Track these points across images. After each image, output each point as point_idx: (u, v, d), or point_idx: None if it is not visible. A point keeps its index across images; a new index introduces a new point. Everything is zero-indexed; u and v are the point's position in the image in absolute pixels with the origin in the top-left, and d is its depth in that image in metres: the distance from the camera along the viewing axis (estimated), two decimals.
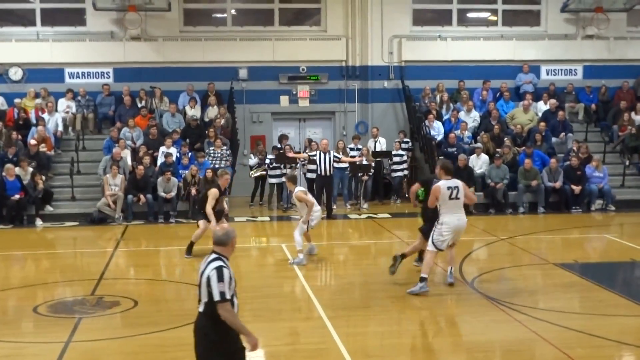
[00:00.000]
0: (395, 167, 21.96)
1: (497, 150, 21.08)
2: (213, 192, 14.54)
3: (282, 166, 20.83)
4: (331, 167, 19.61)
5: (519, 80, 23.89)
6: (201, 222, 14.84)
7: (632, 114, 22.83)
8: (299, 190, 14.33)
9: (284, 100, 23.70)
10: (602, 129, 23.34)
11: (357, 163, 20.76)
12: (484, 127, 22.25)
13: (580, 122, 23.43)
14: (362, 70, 23.74)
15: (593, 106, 23.64)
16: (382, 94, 23.75)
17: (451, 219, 12.03)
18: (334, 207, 20.29)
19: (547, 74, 24.41)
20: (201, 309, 6.66)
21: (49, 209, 19.61)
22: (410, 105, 23.13)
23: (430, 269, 12.16)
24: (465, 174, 20.02)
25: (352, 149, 21.67)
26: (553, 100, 23.00)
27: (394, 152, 21.91)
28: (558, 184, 20.15)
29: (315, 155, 19.76)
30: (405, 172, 22.21)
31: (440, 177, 12.34)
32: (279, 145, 21.61)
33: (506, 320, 10.75)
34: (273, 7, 23.90)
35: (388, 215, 19.93)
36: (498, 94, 23.57)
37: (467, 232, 17.86)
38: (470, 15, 25.11)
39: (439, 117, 22.46)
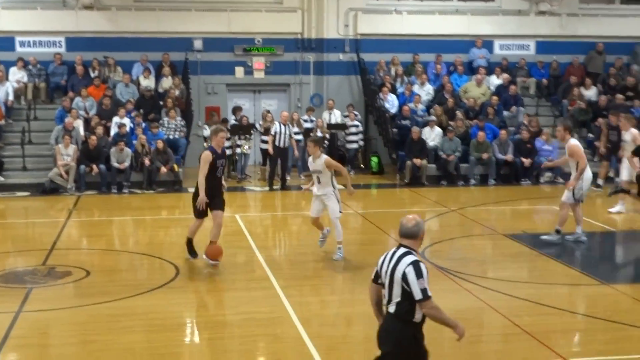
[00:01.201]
0: (350, 138, 21.99)
1: (450, 123, 21.21)
2: (205, 156, 11.76)
3: (237, 137, 20.74)
4: (288, 139, 19.56)
5: (472, 55, 23.99)
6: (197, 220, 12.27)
7: (582, 89, 23.09)
8: (327, 156, 12.58)
9: (239, 71, 23.51)
10: (552, 104, 23.59)
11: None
12: (437, 100, 22.34)
13: (531, 96, 23.64)
14: (318, 43, 23.62)
15: (544, 81, 23.86)
16: (337, 67, 23.68)
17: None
18: (288, 177, 20.29)
19: (500, 49, 24.52)
20: (392, 309, 6.04)
21: None
22: (365, 78, 23.12)
23: None
24: (419, 146, 20.19)
25: (306, 121, 21.65)
26: (505, 75, 23.17)
27: (348, 124, 21.94)
28: (509, 157, 20.36)
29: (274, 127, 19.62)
30: (361, 143, 22.26)
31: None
32: (233, 117, 21.50)
33: (456, 289, 10.87)
34: None
35: (342, 187, 19.87)
36: (452, 68, 23.67)
37: (418, 203, 18.19)
38: None
39: (393, 90, 22.50)
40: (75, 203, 17.87)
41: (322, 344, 8.69)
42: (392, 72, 23.17)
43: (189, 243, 12.32)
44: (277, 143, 19.34)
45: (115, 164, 19.26)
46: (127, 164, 19.32)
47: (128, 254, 13.45)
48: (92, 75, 22.05)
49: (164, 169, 19.45)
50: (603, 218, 15.82)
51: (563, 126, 13.51)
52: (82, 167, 19.11)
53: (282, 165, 19.61)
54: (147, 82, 22.01)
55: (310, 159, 12.44)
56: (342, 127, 21.93)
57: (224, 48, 23.19)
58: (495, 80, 23.24)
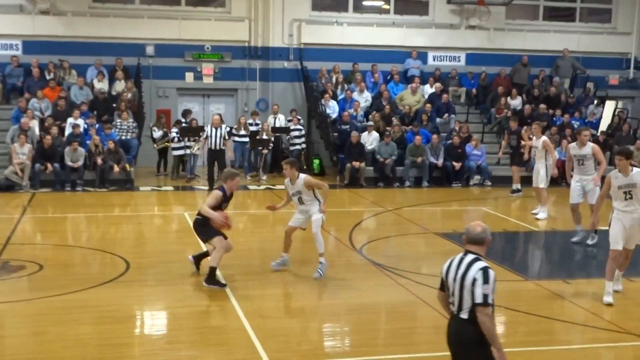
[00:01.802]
0: (293, 141, 21.94)
1: (387, 128, 21.31)
2: (215, 194, 10.74)
3: (186, 139, 20.55)
4: (222, 142, 18.77)
5: (407, 65, 24.14)
6: (216, 240, 10.68)
7: (508, 98, 23.42)
8: (306, 175, 11.33)
9: (189, 76, 23.28)
10: (481, 112, 23.88)
11: (258, 137, 20.68)
12: (375, 107, 22.44)
13: (462, 104, 23.90)
14: (264, 51, 23.52)
15: (474, 90, 24.14)
16: (282, 74, 23.63)
17: None
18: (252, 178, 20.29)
19: (434, 60, 24.74)
20: (464, 315, 5.85)
21: None
22: (308, 85, 23.12)
23: None
24: (357, 150, 20.25)
25: (251, 124, 21.54)
26: (438, 84, 23.37)
27: (292, 128, 21.90)
28: (440, 162, 20.55)
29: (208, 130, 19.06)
30: (303, 145, 22.23)
31: None
32: (182, 120, 21.29)
33: (391, 284, 10.92)
34: None
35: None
36: (389, 77, 23.78)
37: (357, 204, 18.22)
38: (365, 3, 25.15)
39: (334, 96, 22.52)
40: (30, 200, 17.48)
41: (265, 335, 8.64)
42: (333, 79, 23.20)
43: (212, 273, 10.54)
44: (210, 146, 18.84)
45: (69, 163, 18.90)
46: (80, 163, 18.99)
47: (81, 249, 13.19)
48: (48, 77, 21.61)
49: (116, 168, 19.15)
50: (529, 219, 16.03)
51: (539, 125, 15.92)
52: (37, 165, 18.70)
53: (218, 167, 19.07)
54: (101, 85, 21.66)
55: (287, 181, 11.22)
56: (286, 130, 21.88)
57: (175, 54, 22.95)
58: (428, 89, 23.43)
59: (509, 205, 16.52)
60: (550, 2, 26.09)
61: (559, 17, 26.26)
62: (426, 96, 23.19)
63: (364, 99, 22.66)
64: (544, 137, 16.07)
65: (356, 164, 20.09)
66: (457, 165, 20.60)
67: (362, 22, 24.14)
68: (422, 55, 24.38)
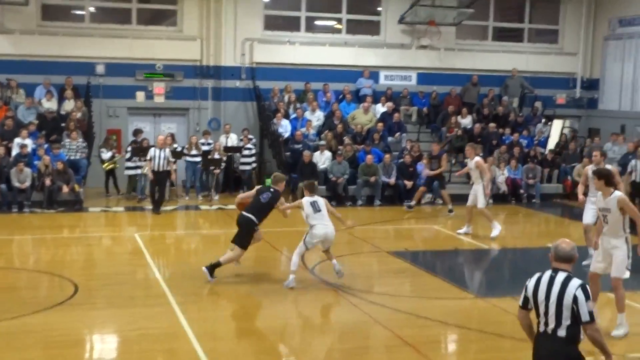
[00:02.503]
0: (244, 160, 21.87)
1: (339, 147, 21.40)
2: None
3: (138, 158, 20.35)
4: (165, 163, 18.37)
5: (359, 84, 24.30)
6: (239, 248, 11.84)
7: (459, 117, 23.70)
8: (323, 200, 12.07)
9: (140, 95, 23.10)
10: (432, 130, 24.11)
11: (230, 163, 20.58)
12: (327, 126, 22.52)
13: (413, 123, 24.11)
14: (216, 70, 23.48)
15: (425, 110, 24.38)
16: (234, 93, 23.59)
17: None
18: (187, 197, 20.09)
19: (385, 79, 24.93)
20: (562, 333, 5.85)
21: None
22: (261, 104, 23.12)
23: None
24: (310, 169, 20.29)
25: (203, 144, 21.44)
26: (390, 103, 23.55)
27: (243, 147, 21.85)
28: (392, 180, 20.68)
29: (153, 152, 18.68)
30: (254, 165, 22.18)
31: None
32: (134, 139, 21.10)
33: (342, 303, 10.95)
34: (131, 6, 23.20)
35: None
36: (341, 96, 23.92)
37: None
38: (317, 22, 25.30)
39: (286, 116, 22.55)
40: None
41: (217, 358, 8.57)
42: (286, 99, 23.25)
43: (217, 266, 11.73)
44: (154, 168, 18.49)
45: (17, 184, 18.56)
46: (28, 183, 18.66)
47: (27, 272, 12.93)
48: None
49: (65, 189, 18.86)
50: (480, 236, 16.18)
51: (472, 147, 16.11)
52: None
53: (160, 190, 18.69)
54: (50, 104, 21.36)
55: (306, 201, 11.90)
56: (238, 149, 21.82)
57: (126, 73, 22.74)
58: (380, 108, 23.60)
59: (460, 224, 16.67)
60: (499, 23, 26.53)
61: (507, 37, 26.71)
62: (378, 115, 23.35)
63: (316, 118, 22.74)
64: (477, 158, 16.12)
65: None
66: (409, 183, 20.76)
67: (315, 41, 24.26)
68: (374, 75, 24.57)
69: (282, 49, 23.78)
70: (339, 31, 24.97)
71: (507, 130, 23.52)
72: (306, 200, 11.95)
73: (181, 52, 23.15)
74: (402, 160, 21.28)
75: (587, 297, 5.78)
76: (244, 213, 11.92)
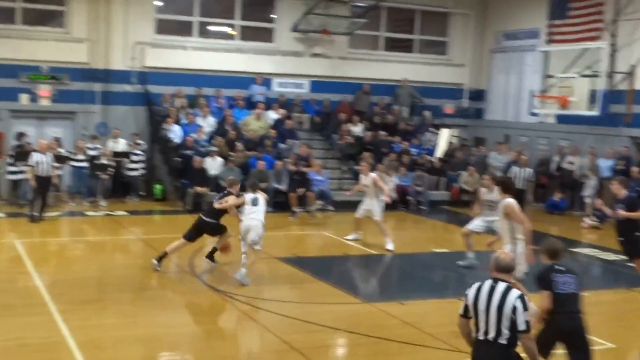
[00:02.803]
0: (132, 165, 21.44)
1: (231, 153, 21.29)
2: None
3: (21, 163, 19.62)
4: (49, 168, 17.80)
5: (252, 91, 24.25)
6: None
7: (350, 125, 23.99)
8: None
9: (24, 98, 22.28)
10: (324, 138, 24.31)
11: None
12: (219, 131, 22.37)
13: (305, 130, 24.25)
14: (105, 74, 22.91)
15: (317, 117, 24.56)
16: (124, 97, 23.09)
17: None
18: (72, 204, 19.52)
19: (278, 86, 24.96)
20: (503, 341, 6.08)
21: None
22: (151, 109, 22.74)
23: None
24: (200, 175, 20.09)
25: (90, 149, 20.91)
26: (282, 110, 23.61)
27: (132, 152, 21.42)
28: (284, 187, 20.69)
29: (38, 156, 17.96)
30: (142, 171, 21.78)
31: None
32: (18, 143, 20.37)
33: (230, 310, 10.85)
34: (15, 5, 22.38)
35: (125, 213, 19.42)
36: (233, 102, 23.81)
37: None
38: (210, 28, 25.11)
39: (177, 121, 22.26)
40: None
41: None
42: (177, 104, 22.95)
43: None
44: (37, 173, 17.77)
45: None
46: None
47: None
48: None
49: None
50: (370, 243, 16.37)
51: (367, 162, 16.48)
52: None
53: (43, 195, 17.88)
54: None
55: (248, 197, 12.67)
56: (126, 155, 21.37)
57: (8, 74, 21.90)
58: (273, 115, 23.62)
59: (350, 229, 16.83)
60: (390, 34, 27.04)
61: (398, 47, 27.25)
62: (270, 122, 23.36)
63: (207, 123, 22.53)
64: (373, 175, 16.15)
65: (199, 189, 19.91)
66: (301, 190, 20.83)
67: (207, 47, 24.06)
68: (266, 82, 24.57)
69: (174, 53, 23.46)
70: (232, 37, 24.87)
71: (397, 139, 23.96)
72: (248, 196, 12.69)
73: (68, 55, 22.47)
74: (294, 167, 21.33)
75: (524, 308, 6.06)
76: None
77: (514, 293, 6.12)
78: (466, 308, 6.36)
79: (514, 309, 6.05)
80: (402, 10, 26.81)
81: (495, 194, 12.17)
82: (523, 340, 6.12)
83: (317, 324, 10.23)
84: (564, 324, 6.81)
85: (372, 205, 16.00)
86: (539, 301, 7.33)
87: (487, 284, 6.24)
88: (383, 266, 15.18)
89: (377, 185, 15.93)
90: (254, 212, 12.46)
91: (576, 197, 21.93)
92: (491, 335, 6.14)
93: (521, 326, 6.05)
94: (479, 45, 27.13)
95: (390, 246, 15.70)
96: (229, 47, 24.36)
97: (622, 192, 12.20)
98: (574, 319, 7.16)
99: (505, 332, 6.08)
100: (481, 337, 6.23)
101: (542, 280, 7.31)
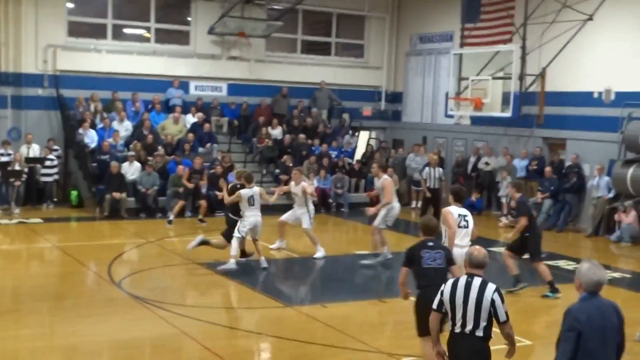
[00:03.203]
0: (47, 171, 20.95)
1: (149, 158, 21.05)
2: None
3: None
4: None
5: (169, 94, 24.02)
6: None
7: (269, 128, 24.03)
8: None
9: None
10: (243, 141, 24.28)
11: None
12: (136, 136, 22.08)
13: (224, 134, 24.16)
14: (16, 77, 22.31)
15: (236, 120, 24.51)
16: (36, 101, 22.52)
17: None
18: None
19: (196, 90, 24.80)
20: (480, 333, 6.35)
21: None
22: (65, 113, 22.27)
23: None
24: (118, 180, 19.80)
25: (2, 155, 20.35)
26: (200, 114, 23.46)
27: (46, 158, 20.95)
28: (204, 191, 20.56)
29: None
30: (56, 177, 21.32)
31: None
32: None
33: (151, 317, 10.75)
34: None
35: (40, 220, 18.98)
36: (150, 106, 23.53)
37: (117, 236, 17.80)
38: (126, 30, 24.76)
39: (93, 125, 21.88)
40: None
41: None
42: (92, 108, 22.54)
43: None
44: None
45: None
46: None
47: None
48: None
49: None
50: (290, 246, 16.41)
51: (299, 171, 16.03)
52: None
53: None
54: None
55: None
56: (40, 161, 20.89)
57: None
58: (191, 119, 23.45)
59: (272, 234, 16.82)
60: (307, 37, 27.21)
61: (316, 50, 27.43)
62: (188, 126, 23.18)
63: (124, 128, 22.22)
64: (303, 183, 15.90)
65: (116, 194, 19.62)
66: (220, 194, 20.74)
67: (122, 49, 23.70)
68: (184, 85, 24.39)
69: (87, 56, 23.02)
70: (147, 40, 24.57)
71: (317, 141, 24.12)
72: (245, 192, 13.83)
73: None
74: (213, 171, 21.25)
75: (502, 300, 6.39)
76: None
77: (491, 287, 6.43)
78: (441, 303, 6.65)
79: (492, 302, 6.36)
80: (319, 14, 27.01)
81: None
82: (506, 330, 6.48)
83: (240, 329, 10.27)
84: (433, 295, 7.07)
85: (300, 214, 15.86)
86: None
87: (463, 279, 6.53)
88: (306, 269, 15.26)
89: (307, 194, 15.79)
90: (256, 209, 14.08)
91: (493, 197, 22.54)
92: (469, 327, 6.41)
93: (502, 317, 6.40)
94: (395, 48, 27.56)
95: (320, 254, 15.51)
96: (144, 50, 24.07)
97: (516, 196, 12.76)
98: None
99: (483, 324, 6.38)
100: (458, 330, 6.49)
101: (409, 255, 8.18)
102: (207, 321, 10.53)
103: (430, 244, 8.15)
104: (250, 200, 13.95)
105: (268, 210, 19.21)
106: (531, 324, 11.07)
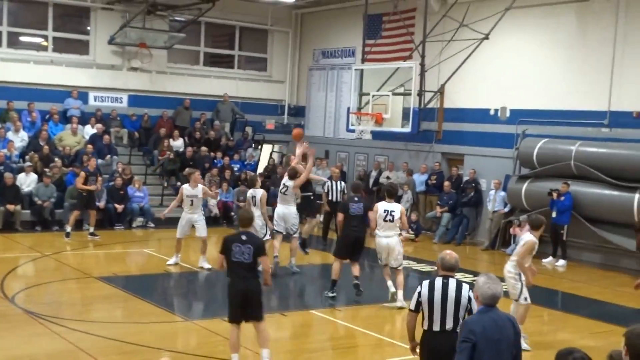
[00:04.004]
0: None
1: (46, 169, 20.46)
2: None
3: None
4: None
5: (67, 105, 23.44)
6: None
7: (171, 140, 23.76)
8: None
9: None
10: (144, 153, 23.93)
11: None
12: (32, 147, 21.44)
13: (124, 146, 23.74)
14: None
15: (136, 132, 24.13)
16: None
17: None
18: None
19: (95, 100, 24.27)
20: (459, 329, 6.53)
21: None
22: None
23: None
24: (12, 192, 19.18)
25: None
26: (100, 125, 22.97)
27: None
28: (102, 204, 20.14)
29: None
30: None
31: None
32: None
33: (45, 333, 10.42)
34: None
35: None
36: (47, 116, 22.89)
37: (11, 249, 17.22)
38: (22, 38, 24.04)
39: None
40: None
41: None
42: None
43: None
44: None
45: None
46: None
47: None
48: None
49: None
50: (191, 260, 16.25)
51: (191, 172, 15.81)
52: None
53: None
54: None
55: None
56: None
57: None
58: (90, 130, 22.95)
59: (171, 247, 16.61)
60: (210, 49, 27.08)
61: (219, 63, 27.33)
62: (87, 137, 22.68)
63: (19, 138, 21.54)
64: (202, 186, 15.82)
65: (11, 207, 19.00)
66: (120, 207, 20.40)
67: (18, 58, 23.01)
68: (82, 95, 23.85)
69: None
70: (45, 48, 23.93)
71: (219, 154, 23.99)
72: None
73: None
74: (112, 183, 20.86)
75: (474, 297, 6.62)
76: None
77: (466, 287, 6.96)
78: (418, 303, 7.02)
79: (469, 300, 6.84)
80: (222, 26, 26.93)
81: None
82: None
83: (137, 344, 10.05)
84: (239, 286, 8.69)
85: (198, 220, 15.66)
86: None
87: (439, 281, 6.98)
88: (205, 283, 15.12)
89: (206, 196, 15.73)
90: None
91: None
92: (448, 325, 6.85)
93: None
94: (298, 62, 27.75)
95: (171, 261, 15.57)
96: (41, 59, 23.45)
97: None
98: (247, 282, 8.82)
99: (460, 321, 6.77)
100: (436, 328, 6.90)
101: (222, 246, 8.93)
102: (104, 336, 10.29)
103: (243, 237, 8.82)
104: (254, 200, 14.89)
105: (166, 223, 18.99)
106: None
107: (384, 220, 12.46)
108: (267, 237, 14.78)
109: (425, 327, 6.99)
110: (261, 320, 9.06)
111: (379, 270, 13.49)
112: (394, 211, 12.48)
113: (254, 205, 14.70)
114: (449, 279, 6.98)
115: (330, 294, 13.11)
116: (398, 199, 22.66)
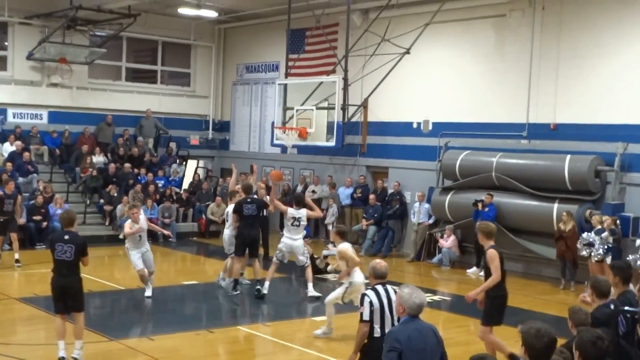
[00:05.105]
0: None
1: None
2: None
3: None
4: None
5: None
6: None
7: (93, 157, 23.29)
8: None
9: None
10: (65, 171, 23.39)
11: None
12: None
13: (45, 163, 23.17)
14: None
15: (57, 149, 23.59)
16: None
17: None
18: None
19: (14, 117, 23.67)
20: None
21: None
22: None
23: None
24: None
25: None
26: (19, 142, 22.37)
27: None
28: (23, 221, 19.56)
29: None
30: None
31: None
32: None
33: None
34: None
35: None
36: None
37: None
38: None
39: None
40: None
41: None
42: None
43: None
44: None
45: None
46: None
47: None
48: None
49: None
50: (115, 278, 15.94)
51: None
52: None
53: None
54: None
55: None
56: None
57: None
58: (9, 147, 22.33)
59: (101, 266, 16.20)
60: (132, 64, 26.70)
61: (142, 78, 26.98)
62: (6, 155, 22.05)
63: None
64: (144, 215, 15.07)
65: None
66: (43, 225, 19.87)
67: None
68: (1, 112, 23.24)
69: None
70: None
71: (143, 170, 23.64)
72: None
73: None
74: (33, 201, 20.30)
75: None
76: None
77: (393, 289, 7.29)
78: (372, 312, 7.25)
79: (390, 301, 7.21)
80: (143, 41, 26.61)
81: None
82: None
83: None
84: (59, 282, 9.73)
85: (147, 252, 14.26)
86: None
87: (381, 289, 7.35)
88: (132, 301, 14.80)
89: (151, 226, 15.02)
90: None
91: (320, 224, 22.92)
92: (387, 329, 7.01)
93: None
94: (221, 77, 27.63)
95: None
96: None
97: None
98: (66, 279, 9.74)
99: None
100: (377, 334, 7.15)
101: (49, 244, 9.90)
102: (22, 358, 9.97)
103: (66, 236, 9.69)
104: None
105: (90, 241, 18.53)
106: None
107: (292, 225, 14.14)
108: (307, 262, 14.74)
109: (369, 335, 7.23)
110: (81, 311, 9.91)
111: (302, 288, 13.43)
112: (300, 217, 14.14)
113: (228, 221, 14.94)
114: (386, 286, 7.35)
115: (235, 293, 14.33)
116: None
